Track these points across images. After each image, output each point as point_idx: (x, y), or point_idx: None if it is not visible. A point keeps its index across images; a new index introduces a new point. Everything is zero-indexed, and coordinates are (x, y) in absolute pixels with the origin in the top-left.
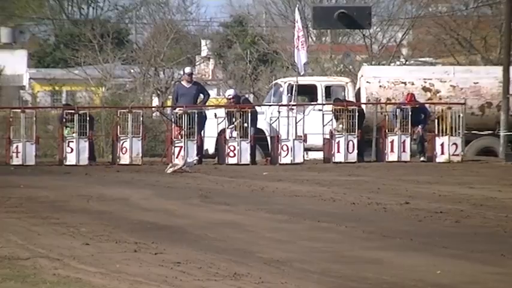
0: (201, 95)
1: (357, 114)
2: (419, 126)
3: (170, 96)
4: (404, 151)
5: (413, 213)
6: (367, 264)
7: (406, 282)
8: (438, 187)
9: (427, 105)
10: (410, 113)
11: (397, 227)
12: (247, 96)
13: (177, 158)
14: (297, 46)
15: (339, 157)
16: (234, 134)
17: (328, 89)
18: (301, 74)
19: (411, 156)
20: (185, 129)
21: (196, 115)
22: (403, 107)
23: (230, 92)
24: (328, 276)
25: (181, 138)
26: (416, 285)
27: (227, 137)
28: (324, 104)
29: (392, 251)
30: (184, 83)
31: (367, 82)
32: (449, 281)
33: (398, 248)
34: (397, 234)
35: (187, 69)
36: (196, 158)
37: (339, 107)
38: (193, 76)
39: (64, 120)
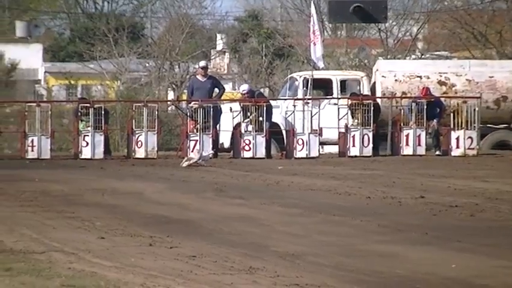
0: (216, 89)
1: (372, 108)
2: (435, 120)
3: (185, 90)
4: (419, 145)
5: (428, 207)
6: (381, 258)
7: (419, 276)
8: (453, 181)
9: (442, 99)
10: (425, 107)
11: (412, 221)
12: (262, 90)
13: (192, 152)
14: (313, 41)
15: (354, 151)
16: (250, 128)
17: (343, 83)
18: (320, 67)
19: (426, 150)
20: (200, 123)
21: (211, 109)
22: (418, 101)
23: (244, 87)
24: (342, 270)
25: (197, 132)
26: (429, 279)
27: (242, 131)
28: (339, 98)
29: (406, 245)
30: (199, 77)
31: (383, 76)
32: (462, 275)
33: (412, 242)
34: (411, 228)
35: (202, 63)
36: (212, 151)
37: (354, 102)
38: (208, 70)
39: (79, 114)
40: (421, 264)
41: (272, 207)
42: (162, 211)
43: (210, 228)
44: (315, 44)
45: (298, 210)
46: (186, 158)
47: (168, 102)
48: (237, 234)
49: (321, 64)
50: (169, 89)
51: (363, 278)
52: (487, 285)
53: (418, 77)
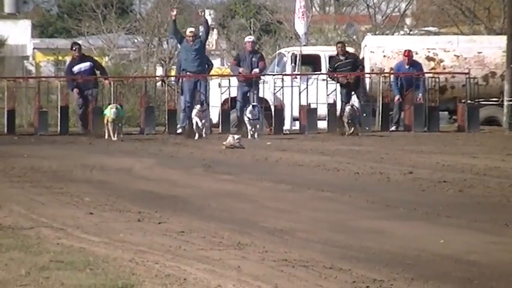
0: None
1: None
2: (420, 94)
3: (174, 66)
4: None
5: (417, 182)
6: (370, 234)
7: (409, 252)
8: (441, 157)
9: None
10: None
11: (400, 197)
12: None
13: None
14: (299, 16)
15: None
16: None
17: (331, 59)
18: (302, 44)
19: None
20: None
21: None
22: (401, 75)
23: (251, 37)
24: (331, 245)
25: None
26: (419, 254)
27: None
28: (327, 74)
29: (396, 221)
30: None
31: (371, 52)
32: (452, 250)
33: (401, 218)
34: (400, 204)
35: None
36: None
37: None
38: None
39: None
40: (411, 240)
41: (261, 183)
42: (151, 187)
43: (198, 203)
44: (303, 18)
45: (287, 186)
46: (225, 142)
47: (157, 78)
48: (226, 210)
49: (304, 41)
50: (157, 65)
51: (352, 254)
52: (478, 261)
53: None
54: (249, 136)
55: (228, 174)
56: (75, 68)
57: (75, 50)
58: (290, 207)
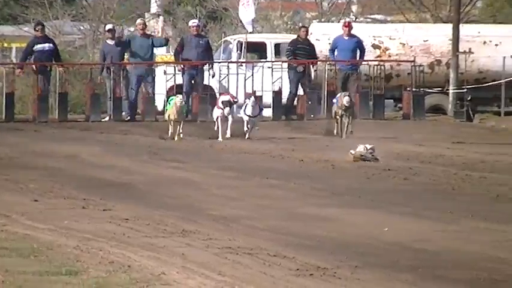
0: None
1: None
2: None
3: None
4: None
5: (362, 170)
6: (316, 221)
7: (355, 239)
8: (387, 144)
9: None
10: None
11: (346, 185)
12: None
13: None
14: (243, 4)
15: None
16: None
17: (277, 46)
18: (249, 31)
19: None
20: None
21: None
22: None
23: (195, 21)
24: (277, 233)
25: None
26: (365, 242)
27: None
28: (273, 62)
29: (341, 208)
30: (108, 41)
31: (317, 39)
32: (397, 238)
33: (347, 206)
34: (345, 192)
35: (108, 26)
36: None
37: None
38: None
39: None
40: (356, 228)
41: (207, 170)
42: (97, 174)
43: (144, 191)
44: (246, 6)
45: (233, 173)
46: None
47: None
48: (172, 197)
49: (249, 28)
50: None
51: (297, 241)
52: (423, 248)
53: None
54: (247, 135)
55: (175, 162)
56: (38, 46)
57: (37, 31)
58: (236, 194)
